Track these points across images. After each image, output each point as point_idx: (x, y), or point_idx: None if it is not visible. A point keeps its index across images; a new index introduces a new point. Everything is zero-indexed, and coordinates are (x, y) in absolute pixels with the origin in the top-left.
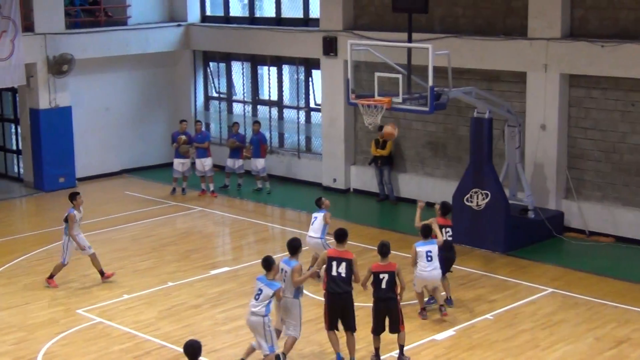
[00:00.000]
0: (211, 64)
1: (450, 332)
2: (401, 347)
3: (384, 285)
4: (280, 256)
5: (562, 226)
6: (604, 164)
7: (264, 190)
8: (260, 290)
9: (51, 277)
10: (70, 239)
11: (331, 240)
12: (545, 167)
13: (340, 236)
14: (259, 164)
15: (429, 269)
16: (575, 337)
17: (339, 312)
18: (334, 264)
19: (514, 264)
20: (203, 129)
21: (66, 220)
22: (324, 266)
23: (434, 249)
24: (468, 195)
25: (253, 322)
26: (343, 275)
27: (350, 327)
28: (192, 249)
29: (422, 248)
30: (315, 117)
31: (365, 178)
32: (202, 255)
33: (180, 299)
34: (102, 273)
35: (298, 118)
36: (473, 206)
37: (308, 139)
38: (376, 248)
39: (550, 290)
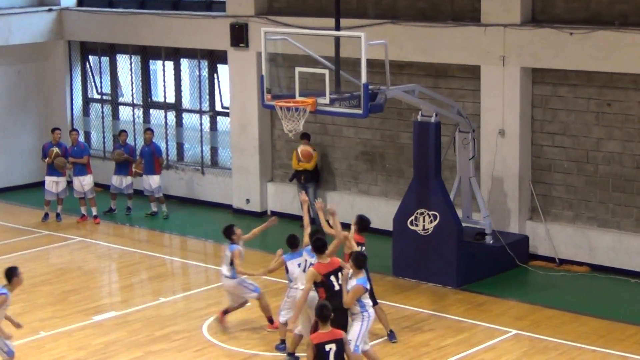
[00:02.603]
0: (91, 57)
1: None
2: None
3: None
4: (183, 296)
5: (526, 253)
6: (576, 176)
7: (160, 214)
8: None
9: None
10: None
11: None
12: (506, 181)
13: (320, 247)
14: (152, 181)
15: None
16: None
17: None
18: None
19: (470, 301)
20: (81, 139)
21: None
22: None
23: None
24: (412, 218)
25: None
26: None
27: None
28: (71, 290)
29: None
30: (223, 123)
31: (285, 198)
32: (83, 297)
33: (57, 353)
34: None
35: (201, 125)
36: (418, 230)
37: (214, 151)
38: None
39: (514, 332)
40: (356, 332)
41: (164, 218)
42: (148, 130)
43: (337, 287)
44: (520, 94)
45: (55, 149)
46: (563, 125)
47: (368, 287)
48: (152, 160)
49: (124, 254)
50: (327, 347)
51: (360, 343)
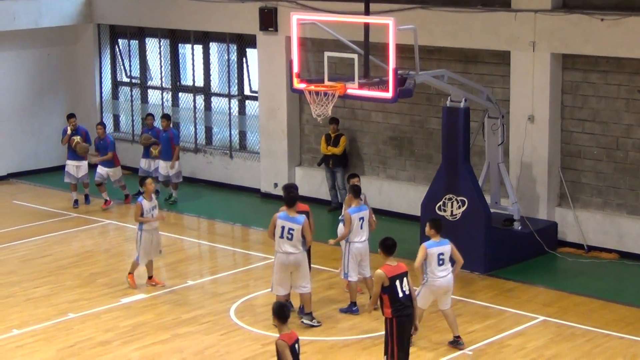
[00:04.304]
0: (120, 41)
1: None
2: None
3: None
4: (210, 279)
5: (555, 240)
6: (605, 163)
7: (168, 197)
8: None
9: None
10: None
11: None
12: (535, 167)
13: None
14: (175, 167)
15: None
16: None
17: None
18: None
19: (497, 287)
20: (108, 133)
21: None
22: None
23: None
24: (440, 203)
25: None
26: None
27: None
28: (99, 272)
29: (433, 250)
30: (251, 107)
31: (313, 182)
32: (111, 280)
33: (85, 334)
34: None
35: (230, 109)
36: (447, 216)
37: (242, 135)
38: (332, 270)
39: (542, 318)
40: None
41: (171, 203)
42: (164, 116)
43: (401, 294)
44: (550, 80)
45: (77, 138)
46: (593, 111)
47: None
48: (169, 147)
49: None
50: (296, 347)
51: None
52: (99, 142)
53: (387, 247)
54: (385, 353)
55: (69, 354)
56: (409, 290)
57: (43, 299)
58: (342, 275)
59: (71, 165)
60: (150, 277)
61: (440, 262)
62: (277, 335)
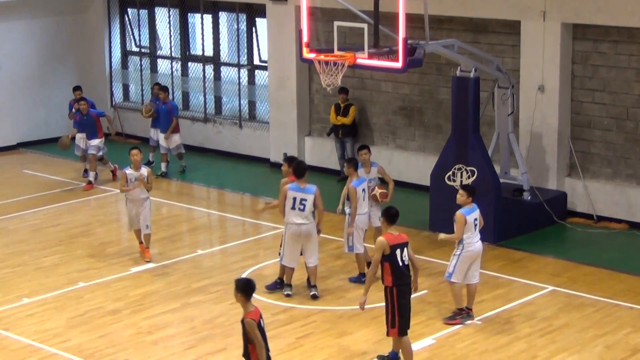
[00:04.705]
0: (130, 10)
1: (429, 341)
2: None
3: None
4: (220, 249)
5: (564, 210)
6: (616, 133)
7: (158, 170)
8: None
9: None
10: None
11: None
12: (544, 137)
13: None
14: (169, 140)
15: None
16: (581, 344)
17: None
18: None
19: (506, 257)
20: (92, 109)
21: None
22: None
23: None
24: (450, 173)
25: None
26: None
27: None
28: (109, 241)
29: (470, 216)
30: (261, 77)
31: (322, 152)
32: (121, 249)
33: (95, 303)
34: None
35: (239, 78)
36: (456, 186)
37: (252, 105)
38: (341, 239)
39: (551, 288)
40: None
41: (160, 174)
42: (162, 89)
43: (400, 263)
44: (561, 49)
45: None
46: (603, 81)
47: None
48: (168, 119)
49: (162, 206)
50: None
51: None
52: (81, 118)
53: (390, 216)
54: (387, 322)
55: (79, 322)
56: (409, 260)
57: (53, 268)
58: (346, 249)
59: (80, 138)
60: (140, 243)
61: (475, 227)
62: (286, 304)
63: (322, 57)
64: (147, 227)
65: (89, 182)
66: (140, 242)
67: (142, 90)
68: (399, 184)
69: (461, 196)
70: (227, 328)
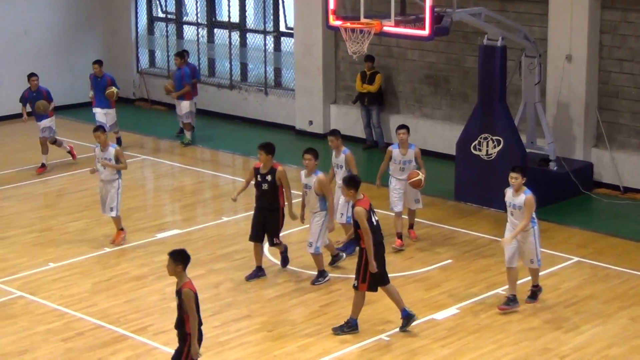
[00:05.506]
0: None
1: (453, 311)
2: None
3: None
4: (245, 216)
5: (591, 181)
6: None
7: (183, 140)
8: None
9: None
10: None
11: None
12: (572, 107)
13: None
14: (181, 107)
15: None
16: (606, 316)
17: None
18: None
19: None
20: (42, 85)
21: None
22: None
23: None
24: (476, 142)
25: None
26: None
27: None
28: (134, 207)
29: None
30: (287, 43)
31: (348, 120)
32: (147, 215)
33: (120, 269)
34: None
35: (265, 45)
36: (482, 155)
37: (277, 71)
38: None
39: (576, 259)
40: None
41: (184, 144)
42: (178, 54)
43: (375, 223)
44: (589, 19)
45: (114, 89)
46: (632, 51)
47: None
48: (181, 86)
49: (187, 173)
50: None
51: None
52: (30, 94)
53: (357, 183)
54: (358, 277)
55: (104, 287)
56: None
57: (79, 233)
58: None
59: (99, 113)
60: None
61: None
62: (310, 272)
63: (348, 24)
64: (112, 210)
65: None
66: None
67: (167, 56)
68: (424, 152)
69: (516, 179)
70: (252, 295)
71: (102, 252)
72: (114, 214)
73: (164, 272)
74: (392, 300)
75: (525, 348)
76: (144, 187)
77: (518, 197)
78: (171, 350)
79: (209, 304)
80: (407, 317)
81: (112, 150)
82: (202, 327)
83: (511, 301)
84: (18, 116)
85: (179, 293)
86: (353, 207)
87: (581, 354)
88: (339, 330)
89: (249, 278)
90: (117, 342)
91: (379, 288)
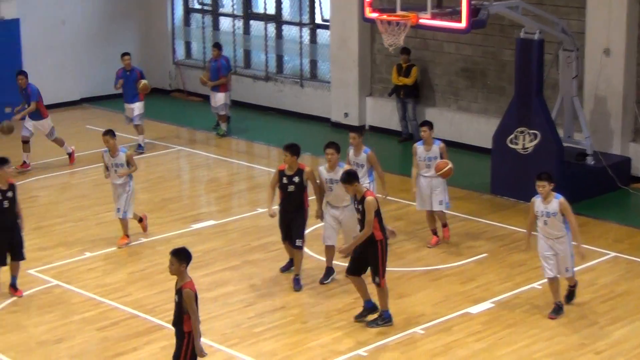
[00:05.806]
0: None
1: (487, 305)
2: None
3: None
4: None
5: (628, 175)
6: None
7: (219, 131)
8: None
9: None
10: None
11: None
12: (609, 101)
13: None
14: (216, 99)
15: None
16: None
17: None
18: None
19: None
20: (31, 83)
21: None
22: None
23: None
24: (512, 136)
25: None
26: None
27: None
28: (169, 198)
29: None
30: (323, 36)
31: (384, 113)
32: (182, 206)
33: (155, 259)
34: None
35: (301, 37)
36: (518, 149)
37: (313, 64)
38: (401, 200)
39: (613, 254)
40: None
41: (220, 135)
42: (215, 45)
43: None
44: (627, 12)
45: (144, 81)
46: None
47: None
48: (217, 77)
49: (223, 164)
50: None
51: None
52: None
53: (355, 176)
54: (379, 274)
55: (139, 277)
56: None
57: (114, 223)
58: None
59: (128, 108)
60: (139, 221)
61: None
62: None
63: (384, 16)
64: (119, 211)
65: (24, 162)
66: (139, 220)
67: (204, 47)
68: (460, 145)
69: (543, 187)
70: (286, 286)
71: (138, 242)
72: (120, 215)
73: (198, 263)
74: (357, 290)
75: (561, 343)
76: (179, 177)
77: (550, 204)
78: (207, 341)
79: (244, 295)
80: (370, 309)
81: (122, 155)
82: (238, 317)
83: (560, 308)
84: (57, 106)
85: (179, 292)
86: (359, 201)
87: (617, 350)
88: (374, 324)
89: (284, 269)
90: (151, 332)
91: (348, 276)
